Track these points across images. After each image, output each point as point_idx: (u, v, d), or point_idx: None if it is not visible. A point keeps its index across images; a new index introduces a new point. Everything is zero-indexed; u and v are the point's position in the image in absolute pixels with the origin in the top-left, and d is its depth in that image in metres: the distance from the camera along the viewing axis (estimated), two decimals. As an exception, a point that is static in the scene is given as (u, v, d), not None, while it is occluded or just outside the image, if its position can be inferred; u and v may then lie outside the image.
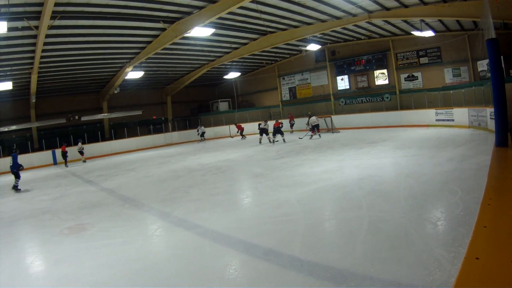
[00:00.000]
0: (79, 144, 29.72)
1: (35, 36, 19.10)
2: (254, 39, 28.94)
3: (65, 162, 28.07)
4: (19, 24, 17.44)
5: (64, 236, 9.22)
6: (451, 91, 25.78)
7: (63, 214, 11.60)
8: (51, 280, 6.67)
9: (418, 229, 6.66)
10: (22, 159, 26.59)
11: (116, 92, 33.49)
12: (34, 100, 29.33)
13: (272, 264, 6.03)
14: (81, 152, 29.65)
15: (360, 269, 5.38)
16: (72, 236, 9.12)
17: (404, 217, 7.40)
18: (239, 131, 34.85)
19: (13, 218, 11.87)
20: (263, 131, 27.28)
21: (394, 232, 6.70)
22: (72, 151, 28.88)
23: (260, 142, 27.00)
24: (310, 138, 26.50)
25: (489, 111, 18.07)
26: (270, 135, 26.71)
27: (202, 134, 36.84)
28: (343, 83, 34.72)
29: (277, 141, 26.43)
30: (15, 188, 17.54)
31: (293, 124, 34.78)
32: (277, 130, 26.47)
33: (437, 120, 24.17)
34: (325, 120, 28.85)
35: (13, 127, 29.54)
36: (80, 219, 10.67)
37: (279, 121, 27.89)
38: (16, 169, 17.60)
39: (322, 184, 11.43)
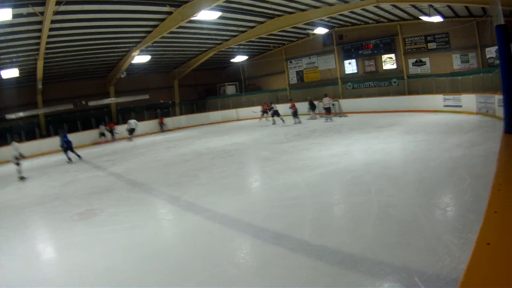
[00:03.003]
0: (132, 122, 32.05)
1: (40, 22, 19.01)
2: (261, 23, 28.67)
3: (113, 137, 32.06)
4: (24, 10, 17.32)
5: (74, 222, 9.32)
6: (459, 77, 25.56)
7: (73, 200, 11.68)
8: (62, 266, 6.79)
9: (427, 215, 6.65)
10: (30, 146, 26.74)
11: (123, 76, 33.31)
12: (40, 86, 29.27)
13: (281, 247, 6.08)
14: (132, 130, 31.49)
15: (370, 253, 5.41)
16: (82, 222, 9.23)
17: (413, 202, 7.40)
18: (265, 112, 32.51)
19: (24, 205, 11.96)
20: (275, 113, 27.86)
21: (403, 217, 6.71)
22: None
23: (274, 123, 27.68)
24: (326, 120, 26.56)
25: (497, 98, 17.92)
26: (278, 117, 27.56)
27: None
28: (350, 67, 34.36)
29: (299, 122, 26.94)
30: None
31: (295, 111, 34.68)
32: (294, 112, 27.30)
33: (445, 106, 23.98)
34: (332, 104, 28.75)
35: (20, 114, 29.58)
36: (90, 205, 10.76)
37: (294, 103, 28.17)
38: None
39: (330, 168, 11.44)
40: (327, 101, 27.11)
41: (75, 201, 11.52)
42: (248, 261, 6.05)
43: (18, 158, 17.45)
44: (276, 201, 8.74)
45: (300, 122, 26.64)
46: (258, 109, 33.25)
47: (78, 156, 20.93)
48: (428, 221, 6.35)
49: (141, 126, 33.66)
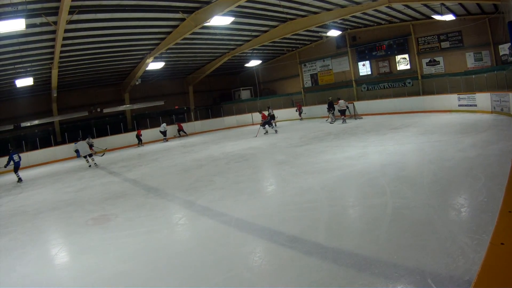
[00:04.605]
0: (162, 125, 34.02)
1: (53, 32, 19.22)
2: (274, 27, 28.74)
3: (140, 143, 32.89)
4: (37, 20, 17.54)
5: (89, 227, 9.38)
6: (473, 76, 25.41)
7: (88, 205, 11.77)
8: (76, 270, 6.83)
9: (442, 216, 6.63)
10: (45, 153, 26.98)
11: (137, 83, 33.66)
12: (55, 95, 29.69)
13: (296, 251, 6.07)
14: (164, 132, 33.66)
15: (384, 255, 5.40)
16: (97, 227, 9.28)
17: (427, 203, 7.36)
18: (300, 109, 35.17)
19: (38, 211, 12.08)
20: (266, 123, 27.13)
21: (418, 218, 6.68)
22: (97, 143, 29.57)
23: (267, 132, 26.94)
24: (343, 122, 26.56)
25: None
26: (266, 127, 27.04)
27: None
28: (364, 68, 34.30)
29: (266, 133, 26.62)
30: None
31: (302, 112, 34.94)
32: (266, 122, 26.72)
33: (459, 105, 23.81)
34: (347, 106, 28.69)
35: (36, 122, 29.95)
36: (104, 210, 10.83)
37: (264, 112, 27.55)
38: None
39: (345, 171, 11.41)
40: (342, 103, 27.12)
41: (90, 206, 11.62)
42: (263, 264, 6.03)
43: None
44: (292, 204, 8.74)
45: (267, 132, 26.44)
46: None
47: (19, 179, 20.13)
48: (443, 222, 6.32)
49: (157, 132, 34.17)
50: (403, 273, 4.88)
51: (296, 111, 35.09)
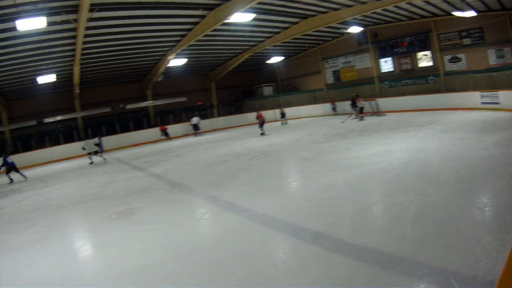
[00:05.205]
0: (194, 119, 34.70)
1: (74, 29, 19.40)
2: (295, 23, 28.60)
3: (167, 137, 33.60)
4: (57, 18, 17.69)
5: (113, 220, 9.57)
6: (495, 73, 25.15)
7: (112, 200, 11.98)
8: (100, 263, 7.00)
9: (465, 215, 6.62)
10: (68, 148, 27.39)
11: (159, 79, 33.80)
12: (78, 91, 30.06)
13: (320, 247, 6.12)
14: (196, 126, 34.29)
15: (408, 254, 5.42)
16: (121, 221, 9.45)
17: (451, 202, 7.35)
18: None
19: (62, 205, 12.34)
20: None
21: (441, 217, 6.68)
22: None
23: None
24: (360, 120, 26.44)
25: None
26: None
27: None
28: (386, 65, 33.93)
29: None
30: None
31: (336, 107, 34.76)
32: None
33: (482, 103, 23.45)
34: (369, 103, 28.57)
35: (58, 118, 30.32)
36: (128, 204, 11.00)
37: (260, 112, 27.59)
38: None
39: (369, 168, 11.38)
40: (362, 100, 27.08)
41: (114, 201, 11.82)
42: (287, 260, 6.13)
43: None
44: (316, 200, 8.76)
45: (263, 134, 26.11)
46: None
47: (24, 176, 20.66)
48: (466, 221, 6.31)
49: (179, 128, 34.67)
50: (426, 271, 4.91)
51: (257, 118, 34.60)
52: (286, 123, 32.78)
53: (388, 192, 8.86)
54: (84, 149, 23.48)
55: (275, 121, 35.50)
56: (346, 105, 30.75)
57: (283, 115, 32.99)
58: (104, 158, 23.73)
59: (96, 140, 26.80)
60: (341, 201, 8.43)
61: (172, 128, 34.83)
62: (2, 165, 20.11)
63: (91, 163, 23.16)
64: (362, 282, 4.91)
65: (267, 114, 35.71)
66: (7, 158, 20.36)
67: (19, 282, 6.56)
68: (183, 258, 6.52)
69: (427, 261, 5.14)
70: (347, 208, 7.88)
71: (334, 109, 34.45)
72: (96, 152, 23.70)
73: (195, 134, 34.34)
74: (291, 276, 5.44)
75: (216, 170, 14.85)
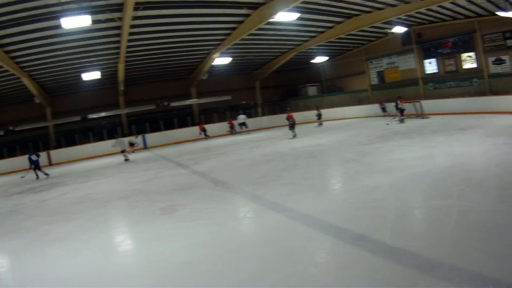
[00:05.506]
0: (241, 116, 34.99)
1: (119, 27, 19.86)
2: (339, 23, 28.45)
3: (206, 136, 33.82)
4: (102, 16, 18.19)
5: (156, 216, 9.74)
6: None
7: (155, 196, 12.20)
8: (142, 257, 7.17)
9: (508, 222, 6.48)
10: (110, 144, 28.14)
11: (204, 78, 34.12)
12: (122, 88, 30.73)
13: (361, 249, 6.11)
14: (243, 125, 34.44)
15: (448, 259, 5.37)
16: (164, 217, 9.62)
17: (493, 208, 7.24)
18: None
19: (105, 199, 12.69)
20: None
21: (483, 223, 6.59)
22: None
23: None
24: (400, 122, 26.05)
25: None
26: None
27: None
28: (431, 66, 33.31)
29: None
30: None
31: (384, 107, 33.97)
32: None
33: (527, 107, 23.00)
34: (413, 105, 28.19)
35: (102, 114, 31.04)
36: (172, 201, 11.17)
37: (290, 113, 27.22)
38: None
39: (413, 171, 11.24)
40: (403, 102, 26.74)
41: (157, 197, 12.04)
42: (328, 261, 6.18)
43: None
44: (359, 202, 8.74)
45: (295, 136, 25.68)
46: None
47: (46, 174, 21.43)
48: (509, 229, 6.20)
49: (221, 126, 35.05)
50: (466, 277, 4.87)
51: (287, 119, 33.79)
52: (321, 124, 32.78)
53: (430, 196, 8.74)
54: (114, 147, 24.25)
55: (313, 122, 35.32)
56: (390, 106, 30.36)
57: (319, 116, 33.10)
58: (127, 159, 24.50)
59: (132, 138, 27.44)
60: (384, 203, 8.38)
61: (211, 128, 35.09)
62: (31, 164, 20.99)
63: (126, 159, 24.01)
64: (401, 286, 4.92)
65: (312, 114, 35.66)
66: (31, 156, 21.14)
67: (62, 272, 6.81)
68: (225, 255, 6.59)
69: (467, 267, 5.10)
70: (389, 211, 7.84)
71: (384, 109, 33.62)
72: (123, 151, 24.79)
73: (241, 133, 34.47)
74: (332, 277, 5.48)
75: (260, 169, 14.91)
